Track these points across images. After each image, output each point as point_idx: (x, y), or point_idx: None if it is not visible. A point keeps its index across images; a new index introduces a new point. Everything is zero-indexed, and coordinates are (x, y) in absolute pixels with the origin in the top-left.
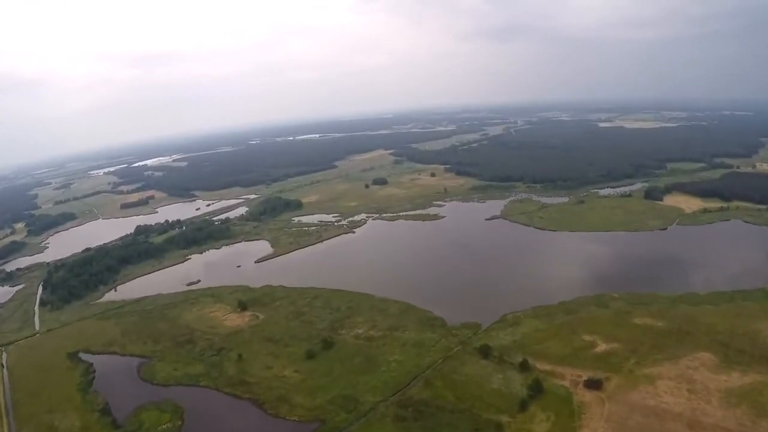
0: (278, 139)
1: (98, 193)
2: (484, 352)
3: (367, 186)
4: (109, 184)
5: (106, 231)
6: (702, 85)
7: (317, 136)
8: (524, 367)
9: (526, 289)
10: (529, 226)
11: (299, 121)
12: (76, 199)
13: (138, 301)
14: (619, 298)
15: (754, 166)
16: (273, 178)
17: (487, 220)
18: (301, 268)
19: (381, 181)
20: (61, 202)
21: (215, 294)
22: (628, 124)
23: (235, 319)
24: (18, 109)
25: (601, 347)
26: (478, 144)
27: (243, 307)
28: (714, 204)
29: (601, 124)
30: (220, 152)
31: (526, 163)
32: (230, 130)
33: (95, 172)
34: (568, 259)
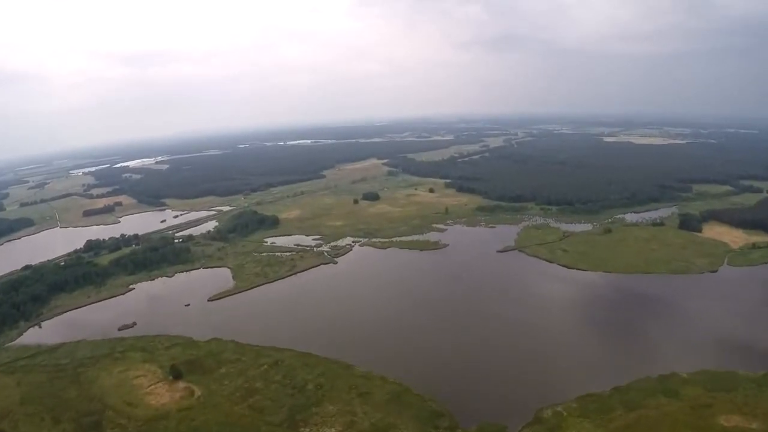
0: (268, 144)
1: (68, 195)
2: None
3: (356, 201)
4: (82, 186)
5: (59, 243)
6: (701, 100)
7: (309, 141)
8: None
9: (564, 366)
10: (552, 262)
11: (292, 125)
12: (43, 201)
13: (54, 349)
14: (691, 380)
15: None
16: (253, 188)
17: (499, 252)
18: (263, 313)
19: (372, 196)
20: (27, 204)
21: (147, 348)
22: (635, 140)
23: (162, 394)
24: (7, 103)
25: None
26: (479, 156)
27: (176, 374)
28: (760, 237)
29: (606, 139)
30: (205, 155)
31: (536, 180)
32: (222, 132)
33: (75, 171)
34: (610, 315)
